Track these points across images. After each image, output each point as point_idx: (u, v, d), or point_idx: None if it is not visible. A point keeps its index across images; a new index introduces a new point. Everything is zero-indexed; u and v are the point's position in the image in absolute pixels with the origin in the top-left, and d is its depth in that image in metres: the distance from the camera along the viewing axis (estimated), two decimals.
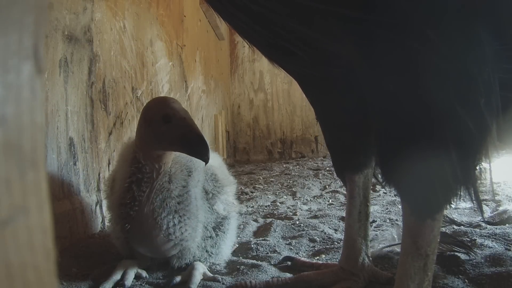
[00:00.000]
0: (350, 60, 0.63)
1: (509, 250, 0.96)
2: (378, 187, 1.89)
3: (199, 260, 0.94)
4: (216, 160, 1.07)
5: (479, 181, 0.59)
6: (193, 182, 0.92)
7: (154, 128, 0.82)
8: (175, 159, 0.91)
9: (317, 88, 0.81)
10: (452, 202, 0.59)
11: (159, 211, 0.86)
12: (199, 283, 0.87)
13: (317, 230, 1.24)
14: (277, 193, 2.06)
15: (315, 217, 1.45)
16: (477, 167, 0.58)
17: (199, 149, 0.79)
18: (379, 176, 0.76)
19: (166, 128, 0.81)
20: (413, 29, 0.53)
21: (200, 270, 0.90)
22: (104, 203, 1.23)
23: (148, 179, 0.87)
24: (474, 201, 0.59)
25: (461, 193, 0.58)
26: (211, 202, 0.96)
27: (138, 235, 0.89)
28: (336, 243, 1.11)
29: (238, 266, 0.96)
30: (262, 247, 1.10)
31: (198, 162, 0.94)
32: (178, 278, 0.88)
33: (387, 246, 1.01)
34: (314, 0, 0.53)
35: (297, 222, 1.34)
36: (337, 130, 0.82)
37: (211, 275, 0.90)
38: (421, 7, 0.51)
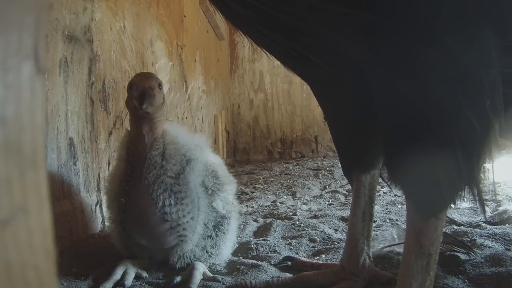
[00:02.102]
0: (361, 63, 0.64)
1: (509, 250, 0.96)
2: (378, 187, 1.89)
3: (199, 260, 0.94)
4: (216, 160, 1.08)
5: (482, 181, 0.59)
6: (192, 171, 0.93)
7: (127, 99, 0.90)
8: (172, 144, 0.93)
9: (327, 89, 0.82)
10: (456, 201, 0.60)
11: (154, 187, 0.88)
12: (199, 283, 0.87)
13: (317, 230, 1.24)
14: (277, 193, 2.06)
15: (315, 217, 1.45)
16: (481, 167, 0.59)
17: (141, 99, 0.85)
18: (385, 175, 0.76)
19: (129, 94, 0.88)
20: (422, 31, 0.54)
21: (200, 270, 0.90)
22: (104, 203, 1.22)
23: (140, 156, 0.90)
24: (477, 201, 0.59)
25: (464, 193, 0.59)
26: (210, 198, 0.96)
27: (134, 214, 0.91)
28: (336, 243, 1.11)
29: (238, 266, 0.96)
30: (262, 247, 1.10)
31: (197, 153, 0.96)
32: (178, 278, 0.88)
33: (387, 246, 1.01)
34: (327, 2, 0.54)
35: (297, 222, 1.34)
36: (345, 130, 0.83)
37: (211, 275, 0.90)
38: (428, 9, 0.52)
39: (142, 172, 0.89)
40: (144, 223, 0.90)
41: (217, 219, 0.97)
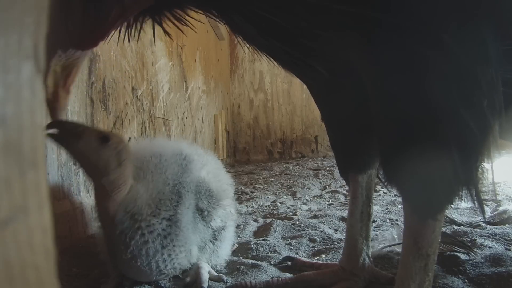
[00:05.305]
0: (358, 64, 0.64)
1: (509, 250, 0.96)
2: (378, 187, 1.89)
3: None
4: (211, 165, 1.01)
5: (480, 181, 0.59)
6: (183, 207, 0.85)
7: None
8: (164, 182, 0.85)
9: (324, 90, 0.82)
10: (454, 202, 0.60)
11: (140, 259, 0.80)
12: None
13: (317, 230, 1.24)
14: (277, 193, 2.06)
15: (315, 217, 1.45)
16: (479, 168, 0.59)
17: None
18: (381, 176, 0.76)
19: None
20: (418, 31, 0.53)
21: (206, 268, 0.89)
22: None
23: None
24: (475, 201, 0.59)
25: (462, 193, 0.58)
26: (207, 219, 0.90)
27: (129, 271, 0.85)
28: (336, 243, 1.11)
29: (238, 266, 0.96)
30: (262, 247, 1.10)
31: (190, 184, 0.89)
32: (187, 279, 0.87)
33: (387, 246, 1.01)
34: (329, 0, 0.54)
35: (297, 222, 1.34)
36: (342, 130, 0.83)
37: (216, 274, 0.90)
38: (427, 10, 0.52)
39: (126, 242, 0.79)
40: (138, 277, 0.86)
41: (214, 232, 0.93)
